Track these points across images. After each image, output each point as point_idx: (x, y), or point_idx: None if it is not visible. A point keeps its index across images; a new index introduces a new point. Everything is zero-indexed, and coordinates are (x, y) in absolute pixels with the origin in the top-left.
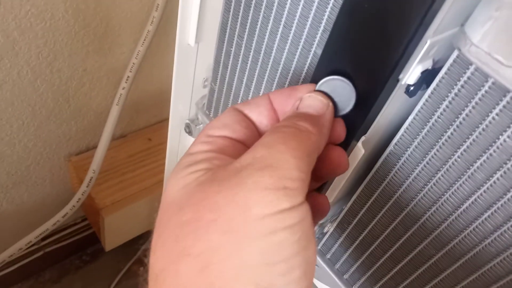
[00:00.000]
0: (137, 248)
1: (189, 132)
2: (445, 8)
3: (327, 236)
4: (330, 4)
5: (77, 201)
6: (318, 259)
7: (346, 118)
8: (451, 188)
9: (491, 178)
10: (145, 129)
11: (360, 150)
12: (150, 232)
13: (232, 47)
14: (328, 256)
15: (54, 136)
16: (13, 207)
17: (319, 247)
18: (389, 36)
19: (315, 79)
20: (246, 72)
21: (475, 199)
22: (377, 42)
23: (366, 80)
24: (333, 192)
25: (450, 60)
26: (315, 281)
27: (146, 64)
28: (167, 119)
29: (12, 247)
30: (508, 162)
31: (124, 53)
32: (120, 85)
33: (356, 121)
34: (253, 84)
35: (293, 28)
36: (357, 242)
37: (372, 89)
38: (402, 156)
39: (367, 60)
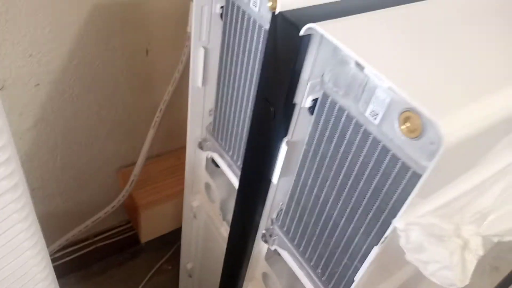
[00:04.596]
0: (167, 250)
1: (201, 148)
2: (309, 64)
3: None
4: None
5: (122, 196)
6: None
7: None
8: None
9: None
10: (175, 151)
11: (283, 147)
12: (178, 233)
13: (225, 89)
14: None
15: (110, 153)
16: (75, 205)
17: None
18: (282, 80)
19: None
20: (239, 105)
21: None
22: (278, 82)
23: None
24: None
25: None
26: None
27: (174, 100)
28: None
29: (72, 231)
30: None
31: (159, 92)
32: (155, 114)
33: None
34: (237, 110)
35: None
36: None
37: (280, 107)
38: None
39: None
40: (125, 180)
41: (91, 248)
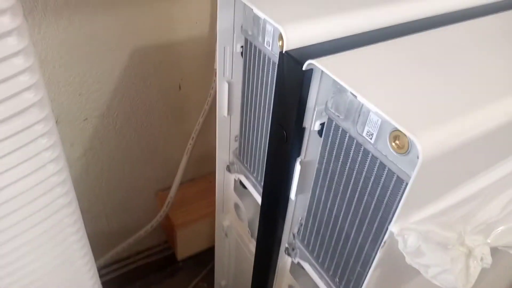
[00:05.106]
0: (203, 269)
1: (229, 171)
2: (314, 93)
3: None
4: None
5: (160, 216)
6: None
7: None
8: None
9: None
10: (206, 175)
11: (297, 167)
12: (212, 253)
13: (247, 117)
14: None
15: (148, 178)
16: (118, 225)
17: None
18: (291, 107)
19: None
20: (260, 130)
21: None
22: (288, 109)
23: (289, 128)
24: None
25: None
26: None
27: (205, 129)
28: None
29: (116, 248)
30: None
31: (191, 122)
32: (188, 142)
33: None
34: (259, 135)
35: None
36: None
37: (292, 131)
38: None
39: (287, 119)
40: (162, 202)
41: (133, 266)
